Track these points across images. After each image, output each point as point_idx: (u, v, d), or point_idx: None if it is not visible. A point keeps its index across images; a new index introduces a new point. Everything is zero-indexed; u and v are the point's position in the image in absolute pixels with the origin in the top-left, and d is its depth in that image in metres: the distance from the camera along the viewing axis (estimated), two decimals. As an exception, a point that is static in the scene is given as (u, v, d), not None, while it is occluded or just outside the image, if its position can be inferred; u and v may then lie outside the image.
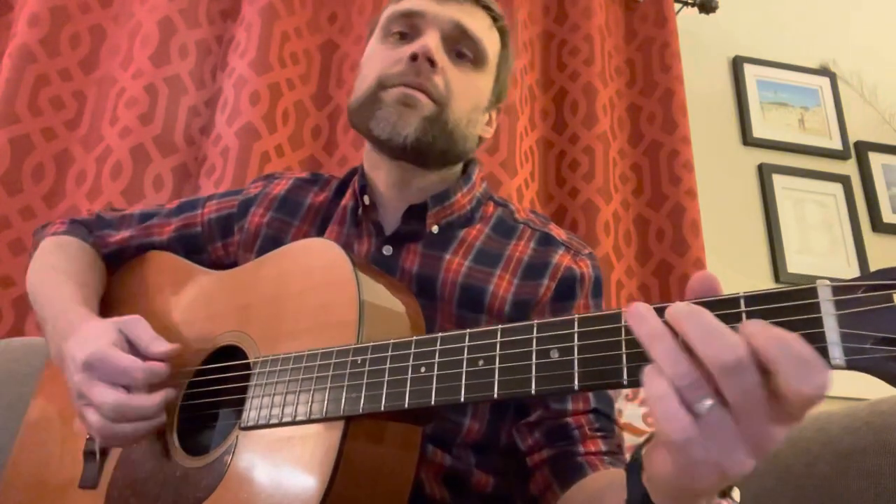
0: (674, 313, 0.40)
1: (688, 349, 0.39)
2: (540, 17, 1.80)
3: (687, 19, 1.93)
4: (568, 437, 0.73)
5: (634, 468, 0.47)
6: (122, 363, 0.64)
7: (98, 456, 0.73)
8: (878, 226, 1.93)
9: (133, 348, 0.68)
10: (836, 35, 2.16)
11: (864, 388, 0.70)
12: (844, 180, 1.96)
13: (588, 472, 0.70)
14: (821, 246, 1.87)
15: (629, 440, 1.12)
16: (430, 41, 0.76)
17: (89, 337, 0.67)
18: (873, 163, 2.01)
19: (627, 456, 0.79)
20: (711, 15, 1.92)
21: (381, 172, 0.82)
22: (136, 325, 0.69)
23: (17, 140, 1.34)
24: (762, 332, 0.37)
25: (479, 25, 0.81)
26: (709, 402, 0.38)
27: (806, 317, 0.38)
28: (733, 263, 1.79)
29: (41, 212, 1.35)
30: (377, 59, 0.79)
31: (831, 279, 0.39)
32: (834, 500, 0.76)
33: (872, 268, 1.79)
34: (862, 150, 2.02)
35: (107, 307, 0.87)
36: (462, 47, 0.79)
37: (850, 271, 1.85)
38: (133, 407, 0.64)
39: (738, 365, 0.37)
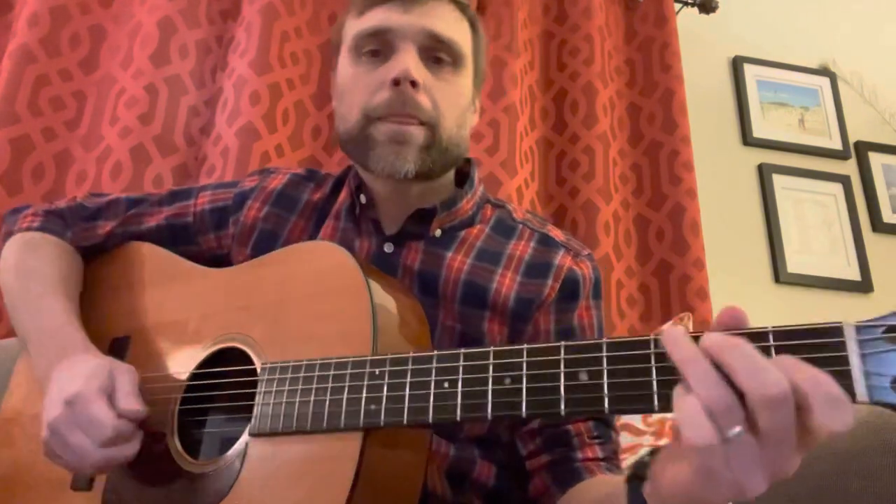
0: (714, 343, 0.41)
1: (724, 377, 0.41)
2: (540, 17, 1.80)
3: (687, 19, 1.93)
4: (567, 443, 0.74)
5: (635, 481, 0.48)
6: (97, 414, 0.64)
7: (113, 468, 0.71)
8: (878, 226, 1.93)
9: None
10: (836, 35, 2.16)
11: (864, 388, 0.70)
12: (844, 180, 1.96)
13: (585, 476, 0.71)
14: (821, 246, 1.87)
15: (629, 441, 1.12)
16: (409, 61, 0.74)
17: (82, 372, 0.67)
18: (873, 163, 2.01)
19: (623, 460, 0.80)
20: (711, 15, 1.92)
21: (377, 183, 0.81)
22: (123, 375, 0.68)
23: (17, 140, 1.34)
24: (798, 370, 0.39)
25: (450, 24, 0.78)
26: (738, 429, 0.40)
27: (833, 355, 0.41)
28: (733, 263, 1.79)
29: (41, 212, 1.35)
30: (357, 86, 0.76)
31: (856, 321, 0.42)
32: (834, 500, 0.76)
33: (873, 268, 1.77)
34: (862, 150, 2.02)
35: (86, 301, 0.84)
36: (438, 53, 0.77)
37: (850, 271, 1.85)
38: (110, 461, 0.65)
39: (784, 400, 0.39)
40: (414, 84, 0.73)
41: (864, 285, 1.83)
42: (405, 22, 0.75)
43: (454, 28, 0.78)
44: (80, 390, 0.65)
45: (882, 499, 0.71)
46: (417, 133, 0.74)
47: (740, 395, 0.40)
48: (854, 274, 1.85)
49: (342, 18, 0.84)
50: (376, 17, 0.76)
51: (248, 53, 1.48)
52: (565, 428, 0.74)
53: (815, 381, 0.38)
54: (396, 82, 0.73)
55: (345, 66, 0.80)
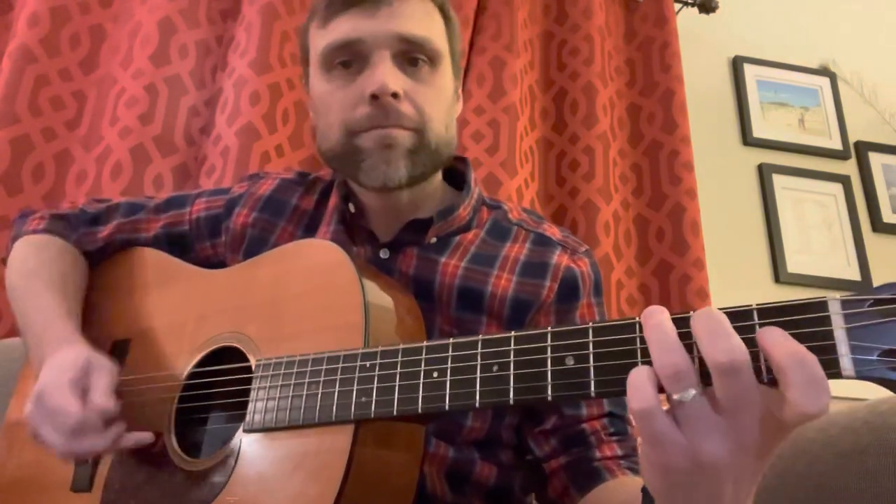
0: (695, 315, 0.42)
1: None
2: (540, 17, 1.80)
3: (687, 19, 1.93)
4: (584, 442, 0.73)
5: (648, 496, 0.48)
6: (60, 405, 0.64)
7: (90, 458, 0.72)
8: (878, 226, 1.93)
9: None
10: (836, 35, 2.16)
11: (864, 388, 0.70)
12: (844, 180, 1.96)
13: (605, 476, 0.70)
14: (821, 246, 1.87)
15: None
16: (385, 73, 0.70)
17: (58, 365, 0.68)
18: (873, 163, 2.01)
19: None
20: (711, 15, 1.92)
21: (366, 195, 0.80)
22: (100, 371, 0.69)
23: (17, 140, 1.34)
24: (783, 345, 0.39)
25: (421, 21, 0.74)
26: (692, 392, 0.41)
27: (817, 329, 0.40)
28: (733, 263, 1.79)
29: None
30: (334, 101, 0.74)
31: (841, 295, 0.41)
32: (834, 500, 0.76)
33: (873, 268, 1.76)
34: (862, 150, 2.02)
35: (89, 305, 0.85)
36: (414, 54, 0.73)
37: (850, 271, 1.85)
38: (79, 452, 0.65)
39: (731, 367, 0.39)
40: (395, 95, 0.70)
41: (864, 285, 1.83)
42: (374, 28, 0.71)
43: (426, 25, 0.74)
44: (47, 382, 0.66)
45: (882, 499, 0.71)
46: (404, 136, 0.72)
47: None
48: (854, 274, 1.85)
49: (305, 27, 0.81)
50: (343, 28, 0.72)
51: (248, 53, 1.48)
52: (580, 427, 0.74)
53: (799, 359, 0.38)
54: (375, 97, 0.70)
55: (318, 82, 0.77)
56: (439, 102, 0.76)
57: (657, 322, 0.43)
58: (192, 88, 1.50)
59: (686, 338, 0.42)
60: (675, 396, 0.41)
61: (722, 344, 0.39)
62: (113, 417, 0.67)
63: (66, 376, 0.67)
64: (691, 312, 0.44)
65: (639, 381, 0.42)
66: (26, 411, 0.67)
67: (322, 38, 0.75)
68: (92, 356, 0.70)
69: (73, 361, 0.68)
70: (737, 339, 0.40)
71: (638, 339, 0.46)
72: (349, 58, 0.73)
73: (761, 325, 0.42)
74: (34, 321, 0.78)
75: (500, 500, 0.76)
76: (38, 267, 0.83)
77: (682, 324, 0.43)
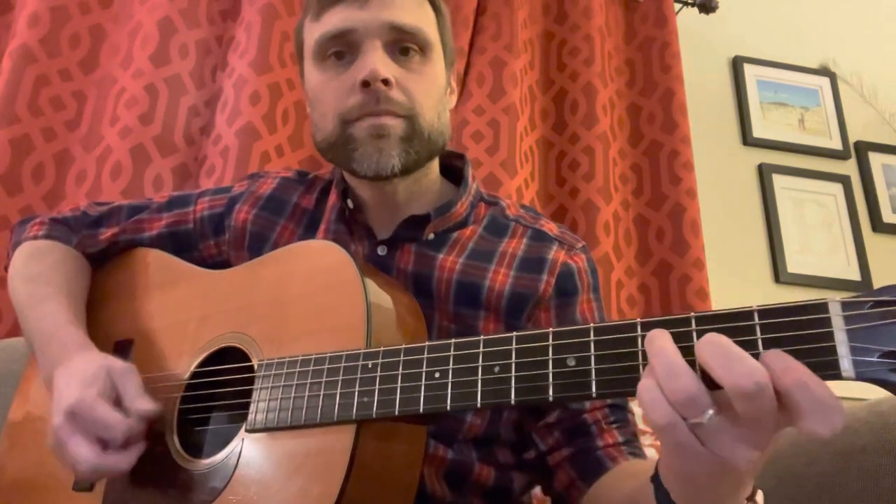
0: (698, 345, 0.42)
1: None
2: (540, 17, 1.80)
3: (687, 19, 1.94)
4: (586, 433, 0.74)
5: (658, 477, 0.49)
6: (105, 418, 0.63)
7: (111, 476, 0.71)
8: (878, 226, 1.93)
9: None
10: (836, 35, 2.16)
11: (864, 388, 0.70)
12: (844, 180, 1.96)
13: (608, 464, 0.71)
14: (821, 246, 1.87)
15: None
16: (376, 60, 0.71)
17: (78, 378, 0.66)
18: (873, 163, 2.01)
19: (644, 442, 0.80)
20: (711, 15, 1.92)
21: (362, 188, 0.80)
22: (126, 377, 0.67)
23: (17, 140, 1.34)
24: (787, 371, 0.39)
25: (411, 11, 0.75)
26: (710, 413, 0.40)
27: (817, 331, 0.40)
28: (733, 263, 1.79)
29: (41, 212, 1.35)
30: (327, 91, 0.75)
31: (841, 296, 0.41)
32: (834, 499, 0.76)
33: (873, 268, 1.76)
34: (862, 150, 2.02)
35: (91, 306, 0.85)
36: (405, 44, 0.75)
37: (850, 271, 1.85)
38: (107, 466, 0.63)
39: (758, 392, 0.39)
40: (386, 82, 0.71)
41: (864, 285, 1.83)
42: (366, 18, 0.73)
43: (416, 15, 0.76)
44: (80, 398, 0.64)
45: (882, 498, 0.71)
46: (396, 125, 0.73)
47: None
48: (854, 274, 1.85)
49: (300, 22, 0.82)
50: (335, 18, 0.74)
51: (248, 53, 1.48)
52: (582, 418, 0.74)
53: (804, 384, 0.38)
54: (366, 84, 0.71)
55: (312, 73, 0.78)
56: (430, 91, 0.77)
57: (659, 347, 0.42)
58: (192, 88, 1.50)
59: (690, 354, 0.42)
60: (693, 420, 0.41)
61: (739, 369, 0.39)
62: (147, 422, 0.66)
63: (92, 390, 0.65)
64: (692, 314, 0.44)
65: (652, 397, 0.41)
66: (55, 423, 0.64)
67: (315, 30, 0.77)
68: (107, 362, 0.69)
69: (94, 374, 0.67)
70: (752, 361, 0.39)
71: (639, 340, 0.46)
72: (342, 48, 0.75)
73: (762, 327, 0.42)
74: (41, 327, 0.78)
75: (499, 500, 0.76)
76: (43, 272, 0.83)
77: (683, 338, 0.43)
